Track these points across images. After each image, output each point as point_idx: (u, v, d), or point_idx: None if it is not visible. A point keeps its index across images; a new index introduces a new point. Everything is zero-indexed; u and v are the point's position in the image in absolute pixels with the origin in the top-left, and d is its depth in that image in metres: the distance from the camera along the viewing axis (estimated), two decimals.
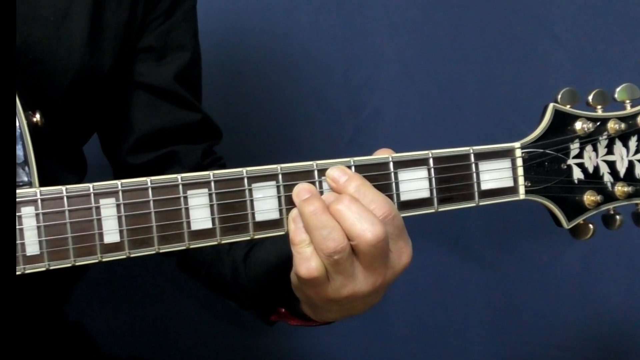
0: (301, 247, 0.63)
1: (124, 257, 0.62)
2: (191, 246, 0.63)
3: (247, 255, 0.82)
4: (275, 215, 0.65)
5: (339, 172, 0.65)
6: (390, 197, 0.67)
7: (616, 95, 0.75)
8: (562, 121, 0.73)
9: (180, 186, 0.63)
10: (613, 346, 1.37)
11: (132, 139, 0.89)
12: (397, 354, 1.38)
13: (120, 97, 0.88)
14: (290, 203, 0.65)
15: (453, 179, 0.69)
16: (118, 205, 0.61)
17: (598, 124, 0.74)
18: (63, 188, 0.60)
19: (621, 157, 0.75)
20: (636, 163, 0.76)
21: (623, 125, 0.74)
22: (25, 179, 0.64)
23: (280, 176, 0.65)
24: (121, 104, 0.88)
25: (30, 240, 0.60)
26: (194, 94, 0.92)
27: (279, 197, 0.65)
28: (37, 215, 0.60)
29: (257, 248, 0.81)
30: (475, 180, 0.70)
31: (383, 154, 0.69)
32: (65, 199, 0.60)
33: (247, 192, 0.64)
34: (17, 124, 0.64)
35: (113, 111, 0.89)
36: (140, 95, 0.88)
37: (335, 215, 0.63)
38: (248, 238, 0.65)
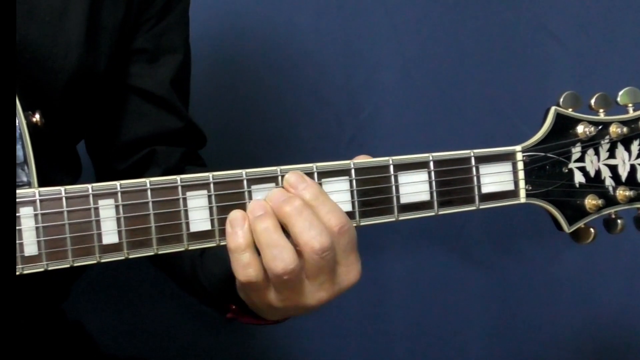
0: (238, 253, 0.62)
1: (123, 258, 0.62)
2: (190, 247, 0.63)
3: (203, 250, 0.80)
4: None
5: (296, 177, 0.63)
6: (390, 199, 0.67)
7: (619, 99, 0.75)
8: (564, 124, 0.73)
9: (180, 187, 0.63)
10: (612, 347, 1.37)
11: (116, 145, 0.89)
12: (396, 354, 1.38)
13: (113, 99, 0.88)
14: None
15: (453, 182, 0.69)
16: (117, 206, 0.61)
17: (600, 127, 0.74)
18: (62, 189, 0.60)
19: (623, 161, 0.75)
20: (638, 167, 0.75)
21: (625, 129, 0.74)
22: (25, 179, 0.64)
23: (279, 178, 0.64)
24: (112, 108, 0.88)
25: (28, 240, 0.60)
26: (182, 98, 0.91)
27: None
28: (35, 215, 0.60)
29: None
30: (475, 183, 0.70)
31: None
32: (64, 199, 0.60)
33: (246, 194, 0.64)
34: (17, 124, 0.64)
35: (104, 114, 0.89)
36: (132, 101, 0.88)
37: (284, 218, 0.61)
38: None
